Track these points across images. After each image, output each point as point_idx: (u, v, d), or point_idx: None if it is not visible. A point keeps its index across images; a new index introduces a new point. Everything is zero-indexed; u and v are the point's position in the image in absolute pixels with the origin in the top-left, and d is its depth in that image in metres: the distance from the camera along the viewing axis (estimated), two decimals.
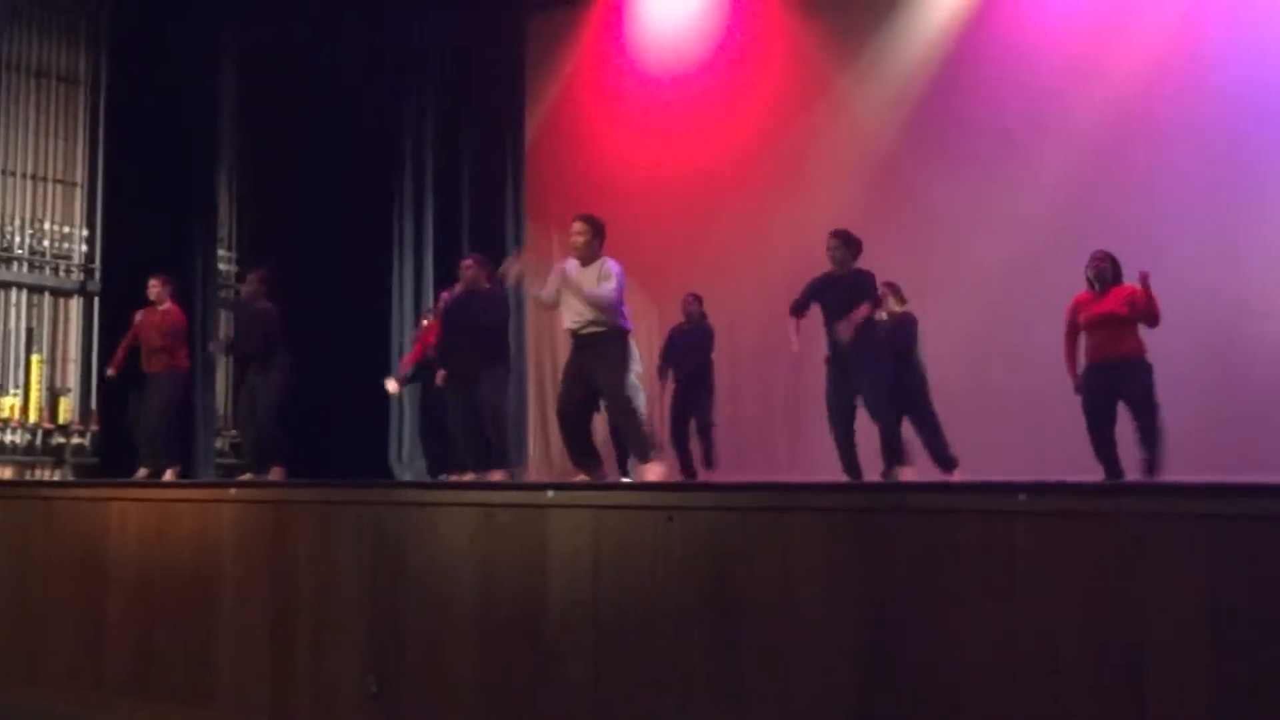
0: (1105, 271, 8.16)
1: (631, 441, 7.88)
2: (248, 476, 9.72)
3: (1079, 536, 4.76)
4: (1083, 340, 8.20)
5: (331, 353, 12.03)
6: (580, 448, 7.76)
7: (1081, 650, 4.70)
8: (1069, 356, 8.25)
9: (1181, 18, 10.61)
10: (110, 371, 10.19)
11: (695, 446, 10.43)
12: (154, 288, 10.10)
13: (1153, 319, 7.99)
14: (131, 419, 10.15)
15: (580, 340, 7.71)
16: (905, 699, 5.05)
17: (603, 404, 7.89)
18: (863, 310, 8.24)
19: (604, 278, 7.60)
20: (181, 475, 9.93)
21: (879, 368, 8.47)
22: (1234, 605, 4.45)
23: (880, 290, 9.12)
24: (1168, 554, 4.57)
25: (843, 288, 8.42)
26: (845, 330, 8.20)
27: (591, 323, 7.62)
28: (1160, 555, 4.59)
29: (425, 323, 10.81)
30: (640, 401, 9.60)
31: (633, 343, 9.33)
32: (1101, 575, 4.68)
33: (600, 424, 8.38)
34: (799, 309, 8.66)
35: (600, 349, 7.62)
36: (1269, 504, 4.51)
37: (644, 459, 7.63)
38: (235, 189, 13.73)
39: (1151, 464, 7.89)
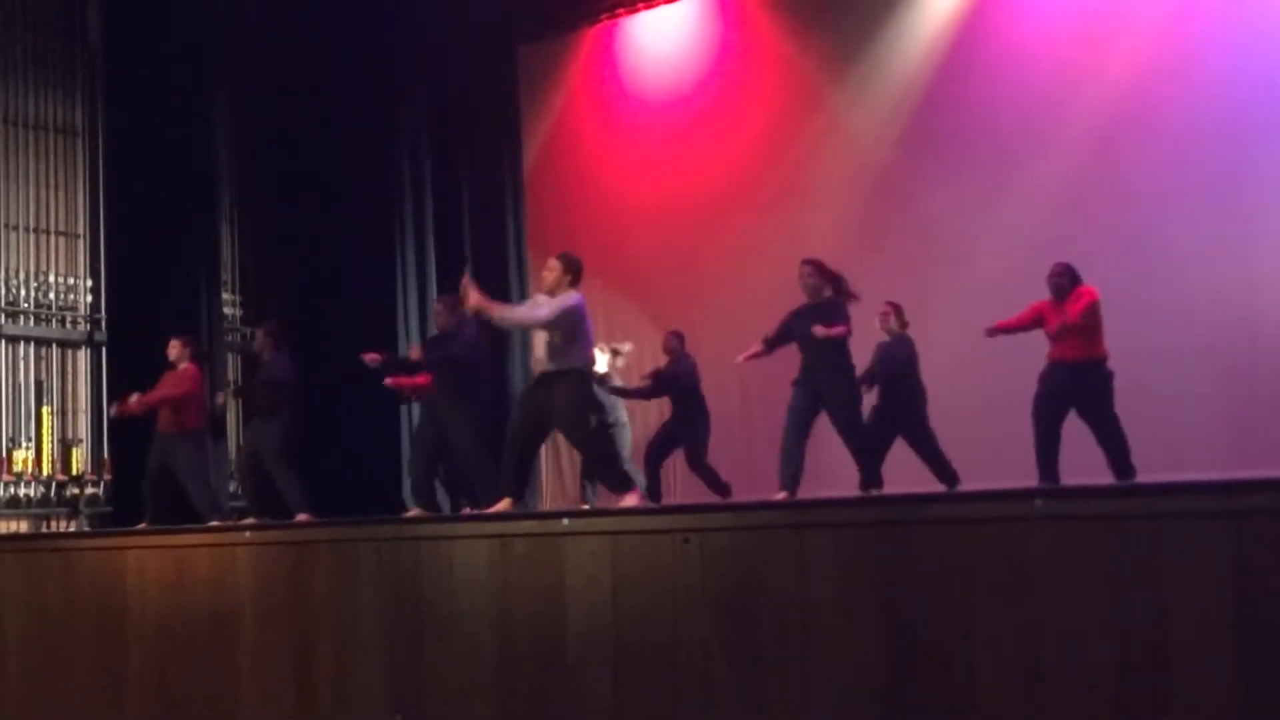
0: (1062, 286, 8.22)
1: (606, 480, 8.22)
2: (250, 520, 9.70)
3: (1097, 539, 4.75)
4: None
5: (338, 390, 12.02)
6: (513, 471, 7.75)
7: (1105, 654, 4.68)
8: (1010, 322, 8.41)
9: (1171, 18, 10.62)
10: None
11: (672, 477, 10.39)
12: (174, 349, 9.85)
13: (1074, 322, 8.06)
14: (148, 476, 9.75)
15: (539, 378, 7.72)
16: (930, 712, 5.04)
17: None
18: (838, 329, 8.30)
19: (545, 304, 7.67)
20: (192, 523, 9.77)
21: (848, 388, 8.58)
22: (1257, 601, 4.44)
23: (884, 309, 9.35)
24: (1187, 553, 4.57)
25: (816, 316, 8.46)
26: (819, 331, 8.26)
27: (548, 362, 7.59)
28: (1179, 554, 4.58)
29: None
30: (624, 439, 9.88)
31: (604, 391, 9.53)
32: (1121, 577, 4.67)
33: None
34: (771, 345, 8.71)
35: (556, 390, 7.55)
36: None
37: (618, 491, 7.78)
38: (236, 231, 13.76)
39: (1119, 469, 7.90)
